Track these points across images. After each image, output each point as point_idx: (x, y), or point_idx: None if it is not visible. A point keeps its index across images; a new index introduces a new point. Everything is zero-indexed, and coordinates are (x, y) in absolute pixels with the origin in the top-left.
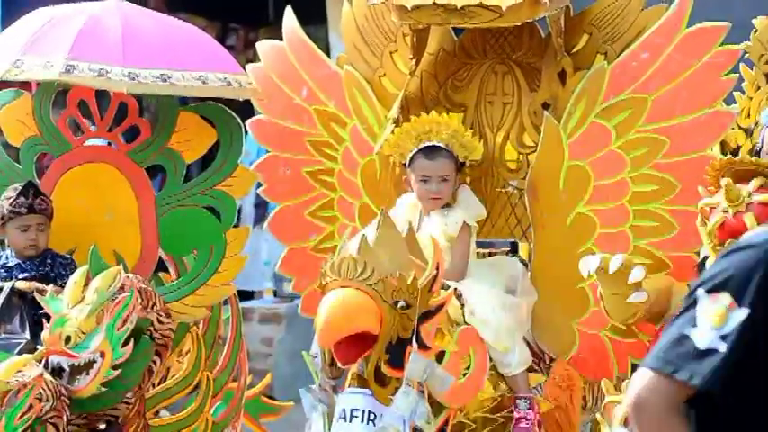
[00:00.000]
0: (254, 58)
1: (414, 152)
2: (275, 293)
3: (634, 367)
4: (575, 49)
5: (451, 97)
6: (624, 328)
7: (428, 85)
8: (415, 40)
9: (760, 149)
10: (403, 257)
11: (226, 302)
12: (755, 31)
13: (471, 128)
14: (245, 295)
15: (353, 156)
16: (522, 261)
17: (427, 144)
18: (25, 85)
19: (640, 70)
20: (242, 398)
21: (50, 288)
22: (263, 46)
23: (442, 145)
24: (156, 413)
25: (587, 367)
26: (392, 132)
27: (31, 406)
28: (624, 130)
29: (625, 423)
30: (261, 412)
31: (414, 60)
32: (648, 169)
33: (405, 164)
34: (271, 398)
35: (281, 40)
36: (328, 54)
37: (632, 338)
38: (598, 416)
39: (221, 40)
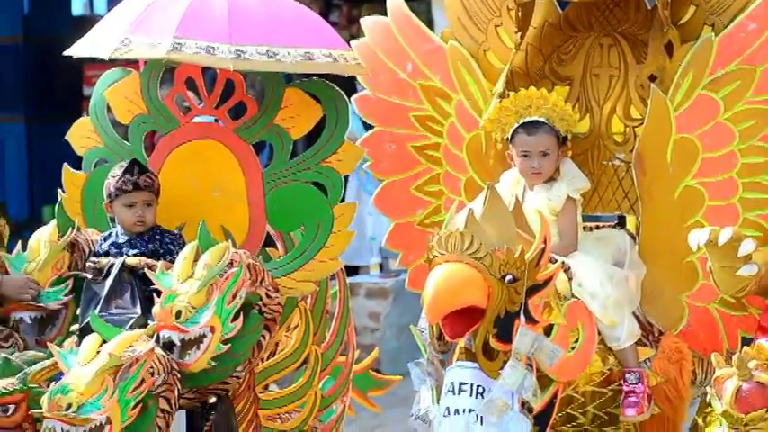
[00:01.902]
0: (358, 34)
1: (514, 128)
2: (381, 268)
3: (744, 341)
4: (681, 21)
5: (557, 71)
6: (734, 302)
7: (533, 59)
8: (519, 13)
9: None
10: (510, 231)
11: (333, 277)
12: None
13: (577, 101)
14: (352, 270)
15: (459, 130)
16: (630, 234)
17: (527, 119)
18: (133, 63)
19: (748, 41)
20: (350, 372)
21: (160, 264)
22: (368, 21)
23: (542, 119)
24: (266, 387)
25: (697, 341)
26: (493, 109)
27: (143, 380)
28: (732, 101)
29: (736, 396)
30: (369, 386)
31: (519, 34)
32: (757, 141)
33: (507, 139)
34: (378, 372)
35: (384, 15)
36: (431, 29)
37: (742, 312)
38: (708, 390)
39: (324, 16)
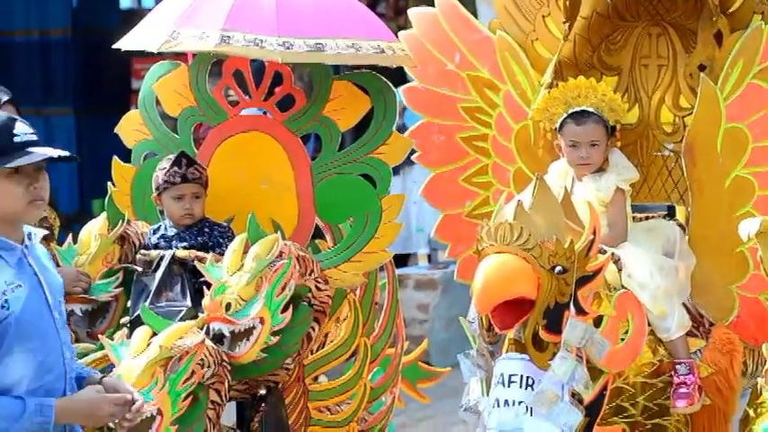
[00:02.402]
0: (405, 25)
1: (563, 117)
2: (430, 259)
3: None
4: (731, 10)
5: (605, 61)
6: None
7: (582, 49)
8: (567, 3)
9: None
10: (559, 222)
11: (382, 269)
12: None
13: (626, 91)
14: (401, 262)
15: (507, 121)
16: (680, 225)
17: (576, 109)
18: (181, 56)
19: None
20: (399, 364)
21: (210, 256)
22: (415, 12)
23: (591, 110)
24: (315, 379)
25: (748, 332)
26: (541, 99)
27: (193, 372)
28: None
29: None
30: (418, 378)
31: (567, 24)
32: None
33: (555, 129)
34: (427, 364)
35: (431, 6)
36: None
37: None
38: (760, 381)
39: (371, 7)
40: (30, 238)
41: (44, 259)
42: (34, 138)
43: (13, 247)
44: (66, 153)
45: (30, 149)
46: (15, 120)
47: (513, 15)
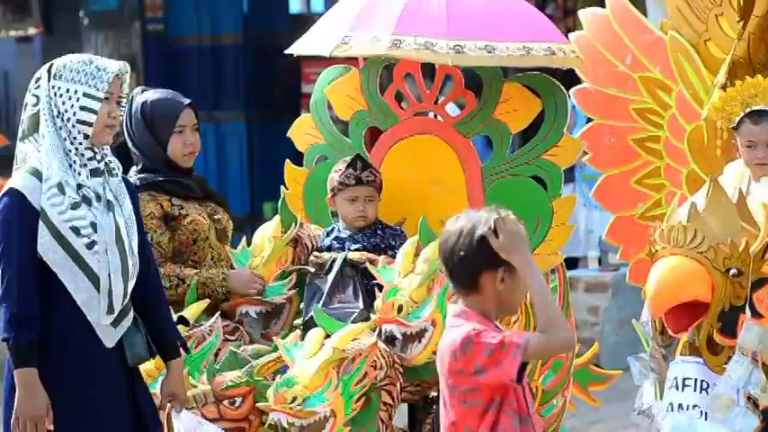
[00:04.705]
0: (574, 26)
1: (740, 117)
2: (600, 262)
3: None
4: None
5: None
6: None
7: (756, 49)
8: (741, 2)
9: None
10: (734, 224)
11: (553, 271)
12: None
13: None
14: (571, 264)
15: (680, 122)
16: None
17: (754, 108)
18: (352, 60)
19: None
20: (571, 366)
21: (382, 258)
22: (586, 14)
23: None
24: None
25: None
26: (718, 98)
27: (366, 373)
28: None
29: None
30: (589, 381)
31: (741, 23)
32: None
33: (733, 128)
34: (598, 366)
35: (601, 6)
36: None
37: None
38: None
39: (540, 9)
40: None
41: None
42: None
43: None
44: None
45: None
46: None
47: (685, 15)
